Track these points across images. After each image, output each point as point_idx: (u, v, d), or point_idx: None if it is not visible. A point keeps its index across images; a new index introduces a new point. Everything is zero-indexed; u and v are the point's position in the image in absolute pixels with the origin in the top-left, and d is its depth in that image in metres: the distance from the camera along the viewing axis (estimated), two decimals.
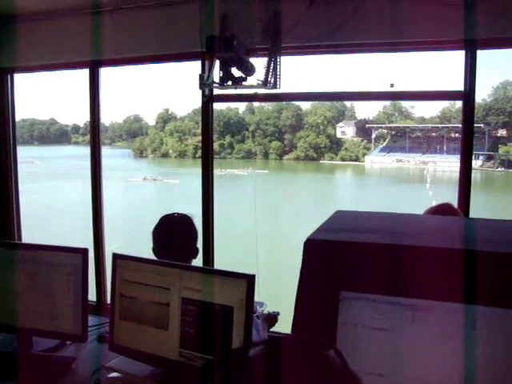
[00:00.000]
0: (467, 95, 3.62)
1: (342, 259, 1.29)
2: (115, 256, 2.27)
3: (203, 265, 4.09)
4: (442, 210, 2.62)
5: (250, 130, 51.27)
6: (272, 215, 24.24)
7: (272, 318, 2.88)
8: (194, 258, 2.74)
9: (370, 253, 1.27)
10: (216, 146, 51.03)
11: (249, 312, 1.85)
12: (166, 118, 57.46)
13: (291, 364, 0.81)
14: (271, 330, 2.87)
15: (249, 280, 1.84)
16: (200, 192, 4.22)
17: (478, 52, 3.57)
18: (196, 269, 2.13)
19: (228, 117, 48.48)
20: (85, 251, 2.43)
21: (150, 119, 61.93)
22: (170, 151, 55.16)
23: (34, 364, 2.30)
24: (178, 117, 57.58)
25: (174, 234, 2.70)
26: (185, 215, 2.82)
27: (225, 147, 51.61)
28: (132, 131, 61.68)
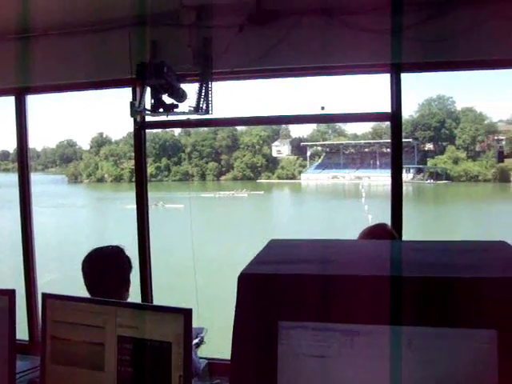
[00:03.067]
0: (394, 116, 3.77)
1: (278, 291, 1.29)
2: (44, 296, 2.15)
3: (141, 296, 4.00)
4: (377, 230, 2.73)
5: (187, 151, 51.11)
6: (211, 238, 24.10)
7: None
8: (127, 290, 2.66)
9: (304, 283, 1.28)
10: (152, 168, 50.43)
11: (187, 346, 1.81)
12: (100, 142, 56.29)
13: None
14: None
15: (185, 314, 1.80)
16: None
17: (403, 74, 3.73)
18: (131, 305, 2.06)
19: (164, 139, 48.11)
20: (11, 293, 2.26)
21: (84, 143, 60.34)
22: (106, 175, 54.03)
23: None
24: (113, 140, 56.55)
25: (102, 268, 2.61)
26: (114, 247, 2.73)
27: (161, 170, 51.11)
28: (66, 156, 59.97)
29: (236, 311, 1.32)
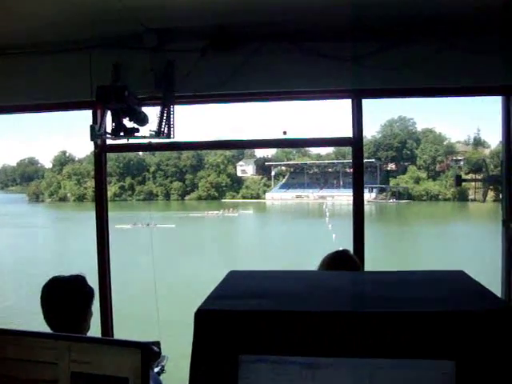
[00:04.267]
0: (356, 141, 3.83)
1: (237, 327, 1.27)
2: None
3: (101, 325, 3.89)
4: (338, 257, 2.74)
5: (151, 171, 50.84)
6: (174, 262, 23.88)
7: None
8: (87, 321, 2.57)
9: (263, 320, 1.27)
10: (116, 188, 49.91)
11: (145, 381, 1.75)
12: (63, 161, 55.42)
13: None
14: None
15: (143, 348, 1.74)
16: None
17: (364, 100, 3.81)
18: (85, 339, 1.98)
19: (128, 158, 47.77)
20: None
21: (47, 162, 59.41)
22: (69, 194, 53.09)
23: None
24: (77, 159, 55.81)
25: (62, 299, 2.51)
26: (76, 276, 2.64)
27: (125, 189, 50.58)
28: (27, 175, 58.77)
29: (193, 347, 1.29)
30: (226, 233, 37.19)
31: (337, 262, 2.71)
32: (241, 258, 24.98)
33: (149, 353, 1.72)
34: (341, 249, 2.89)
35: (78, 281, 2.61)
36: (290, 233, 35.55)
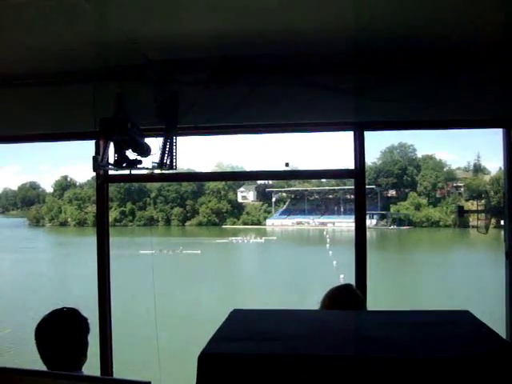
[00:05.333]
0: (358, 172, 3.82)
1: (242, 370, 1.26)
2: None
3: (100, 356, 3.84)
4: (342, 293, 2.74)
5: (152, 196, 50.85)
6: (175, 292, 23.81)
7: None
8: (84, 355, 2.52)
9: (268, 363, 1.26)
10: (117, 213, 49.87)
11: None
12: (64, 186, 55.50)
13: None
14: None
15: None
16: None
17: (366, 133, 3.82)
18: (85, 378, 1.96)
19: (129, 184, 47.85)
20: None
21: (48, 186, 59.48)
22: (69, 219, 53.00)
23: None
24: (78, 184, 55.92)
25: (56, 336, 2.45)
26: (68, 310, 2.59)
27: (126, 214, 50.50)
28: (28, 199, 58.78)
29: None
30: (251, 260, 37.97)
31: (341, 296, 2.70)
32: (267, 284, 25.35)
33: None
34: (344, 283, 2.89)
35: (72, 315, 2.58)
36: (292, 261, 35.47)
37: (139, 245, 32.87)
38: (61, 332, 2.48)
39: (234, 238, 44.77)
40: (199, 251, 37.11)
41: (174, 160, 3.71)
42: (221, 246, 41.97)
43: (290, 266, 33.01)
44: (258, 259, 38.55)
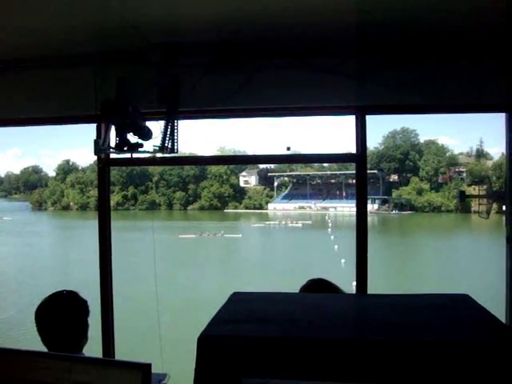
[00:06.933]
0: (359, 157, 3.81)
1: (240, 351, 1.27)
2: None
3: (102, 340, 3.87)
4: (317, 286, 2.70)
5: (154, 180, 50.92)
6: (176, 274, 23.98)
7: None
8: (85, 337, 2.55)
9: (267, 345, 1.27)
10: (119, 197, 49.98)
11: None
12: (66, 169, 55.61)
13: None
14: None
15: (144, 369, 1.73)
16: None
17: (368, 118, 3.80)
18: (86, 360, 1.98)
19: (131, 168, 47.88)
20: None
21: (50, 170, 59.66)
22: (72, 203, 53.20)
23: None
24: (80, 168, 56.03)
25: (57, 318, 2.49)
26: (67, 292, 2.62)
27: (128, 198, 50.61)
28: (30, 183, 58.97)
29: (196, 372, 1.29)
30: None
31: (315, 291, 2.64)
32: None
33: (150, 373, 1.72)
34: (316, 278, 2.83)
35: (71, 297, 2.61)
36: (293, 244, 35.59)
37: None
38: (60, 314, 2.52)
39: (270, 223, 46.28)
40: (240, 235, 38.77)
41: (176, 144, 3.70)
42: (260, 230, 43.82)
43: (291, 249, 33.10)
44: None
